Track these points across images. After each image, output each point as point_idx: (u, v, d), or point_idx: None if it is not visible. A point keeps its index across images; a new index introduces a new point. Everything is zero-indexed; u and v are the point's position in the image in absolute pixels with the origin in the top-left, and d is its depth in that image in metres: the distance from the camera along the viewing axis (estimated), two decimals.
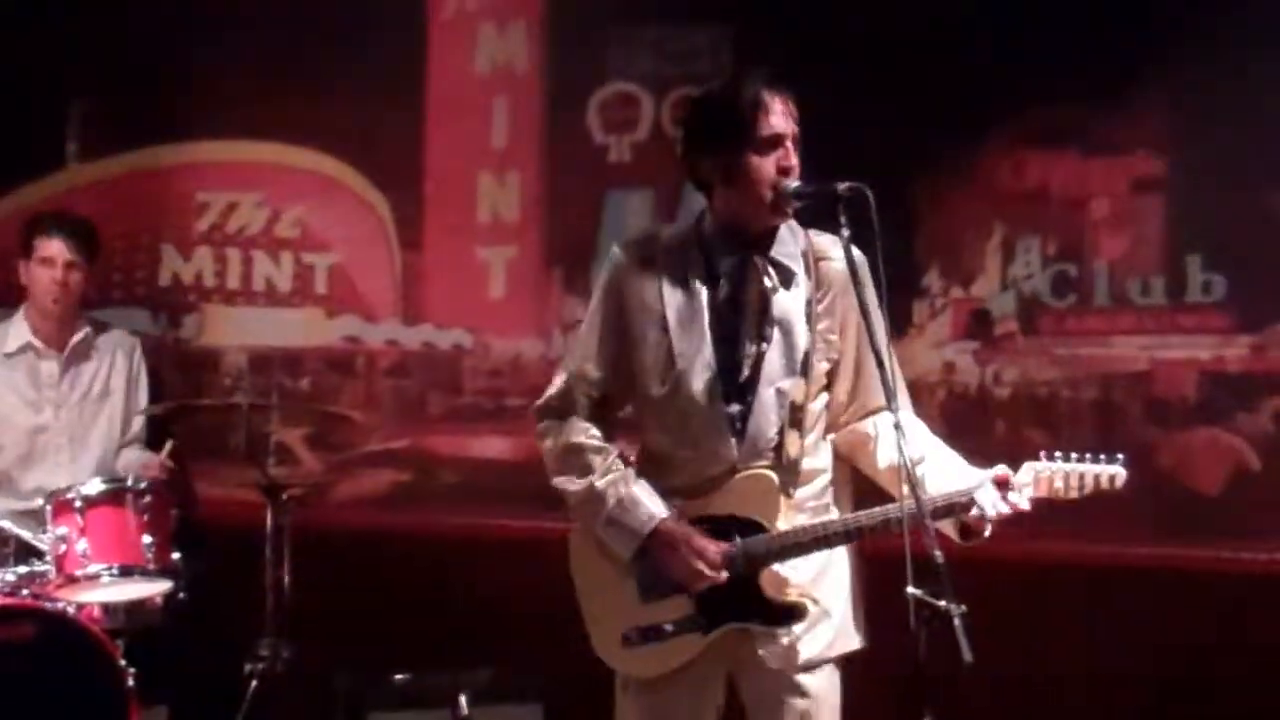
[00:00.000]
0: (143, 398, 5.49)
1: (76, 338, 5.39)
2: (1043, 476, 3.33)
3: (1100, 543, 5.07)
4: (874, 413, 3.46)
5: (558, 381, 3.53)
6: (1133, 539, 5.10)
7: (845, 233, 3.27)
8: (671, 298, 3.40)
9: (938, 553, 3.05)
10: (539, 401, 3.55)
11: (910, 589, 3.03)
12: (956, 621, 2.97)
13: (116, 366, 5.46)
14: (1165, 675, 5.05)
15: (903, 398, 3.39)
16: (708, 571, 3.34)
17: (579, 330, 3.58)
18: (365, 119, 6.08)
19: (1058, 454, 3.34)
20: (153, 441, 5.47)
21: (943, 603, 2.99)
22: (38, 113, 6.25)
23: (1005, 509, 3.29)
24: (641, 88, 5.93)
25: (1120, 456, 3.36)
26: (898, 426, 3.11)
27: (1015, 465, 3.39)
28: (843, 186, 3.25)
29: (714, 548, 3.35)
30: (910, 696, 3.06)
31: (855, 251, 3.31)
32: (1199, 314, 5.27)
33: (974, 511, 3.28)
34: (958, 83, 5.32)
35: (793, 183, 3.36)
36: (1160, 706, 5.06)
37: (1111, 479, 3.34)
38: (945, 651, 2.96)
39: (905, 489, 3.11)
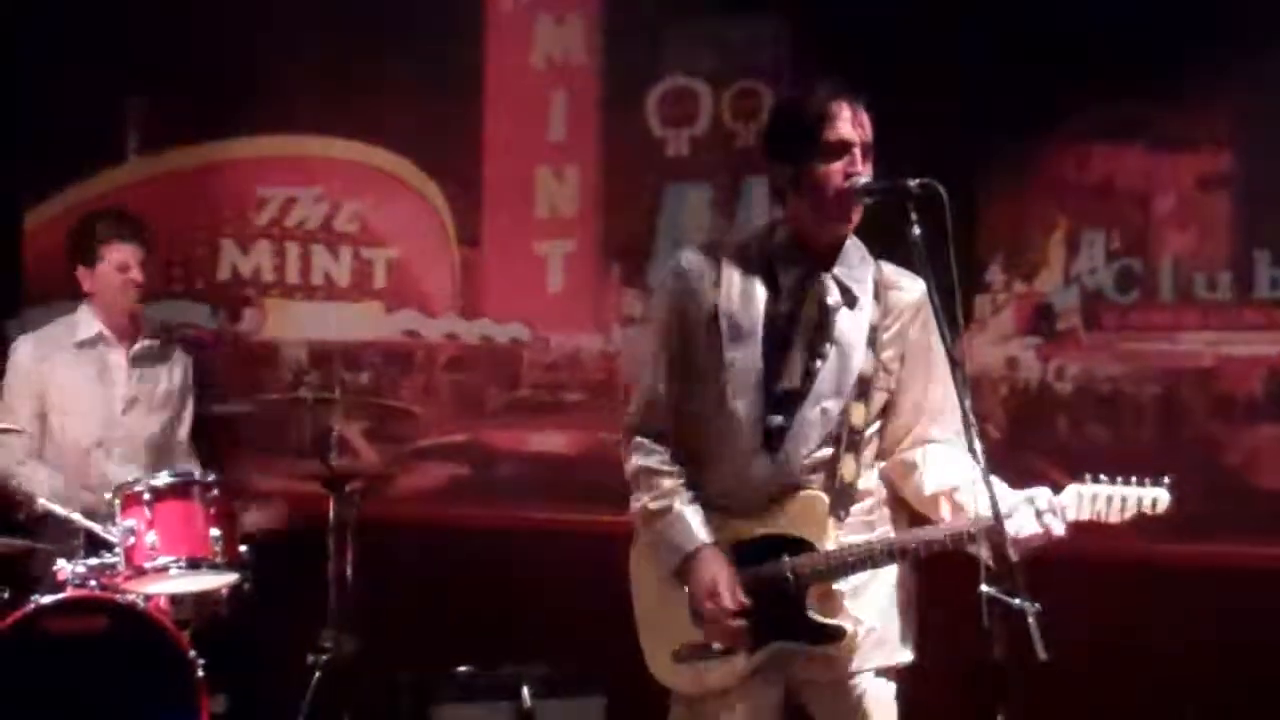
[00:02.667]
0: (188, 413, 5.56)
1: (144, 341, 5.46)
2: (1086, 498, 3.29)
3: (1165, 540, 5.03)
4: (925, 443, 3.46)
5: (636, 398, 3.54)
6: (1199, 536, 5.06)
7: (916, 230, 3.25)
8: (729, 305, 3.40)
9: (1011, 550, 3.05)
10: (625, 420, 3.55)
11: (983, 587, 3.03)
12: (1031, 620, 2.96)
13: (175, 374, 5.54)
14: (1231, 673, 5.03)
15: (952, 427, 3.39)
16: (712, 607, 3.33)
17: (645, 341, 3.59)
18: (423, 114, 6.09)
19: (1102, 476, 3.30)
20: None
21: (1016, 600, 2.99)
22: (98, 108, 6.28)
23: (1037, 529, 3.25)
24: (700, 81, 5.92)
25: (1166, 480, 3.29)
26: (974, 450, 3.10)
27: (1077, 463, 3.38)
28: (914, 183, 3.24)
29: (733, 595, 3.33)
30: (983, 695, 3.06)
31: (923, 284, 3.31)
32: (1266, 310, 5.25)
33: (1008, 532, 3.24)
34: (1022, 76, 5.30)
35: (861, 179, 3.35)
36: (1226, 704, 5.04)
37: (1154, 502, 3.29)
38: (1019, 650, 2.96)
39: (974, 507, 3.15)
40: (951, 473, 3.38)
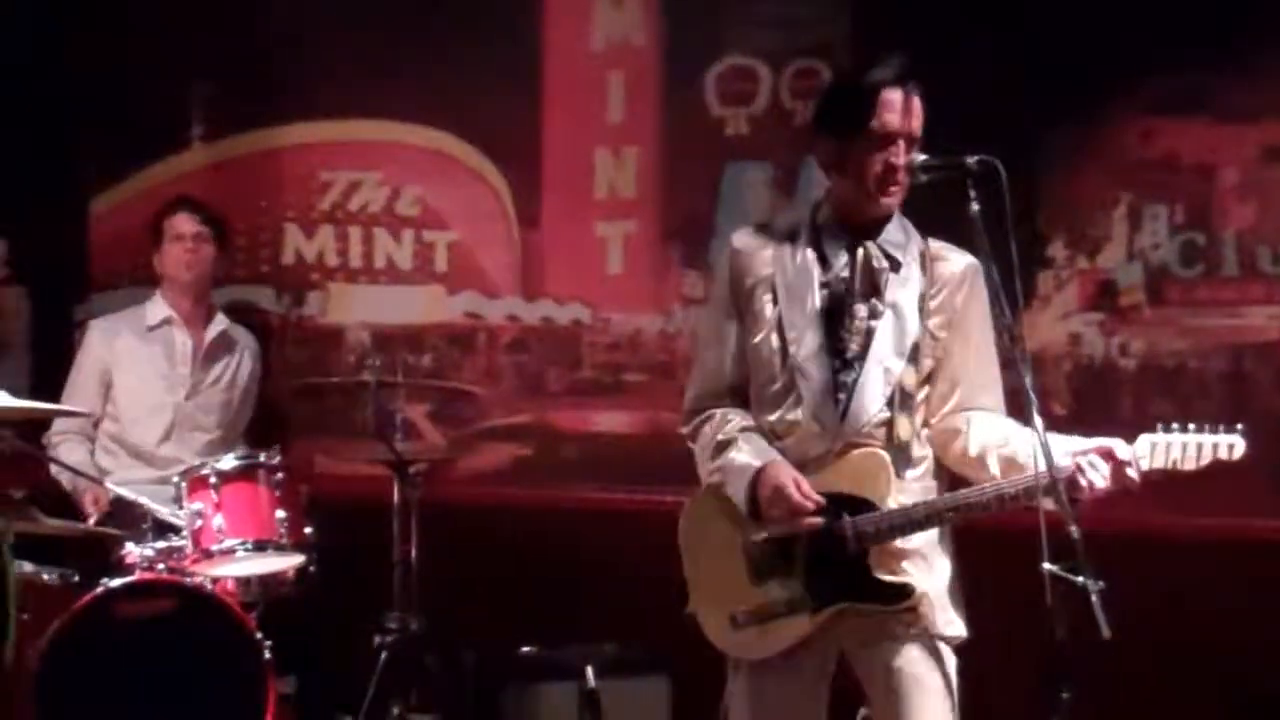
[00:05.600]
0: (249, 406, 5.68)
1: (216, 329, 5.58)
2: (1160, 446, 3.28)
3: (1231, 515, 5.01)
4: (969, 410, 3.48)
5: (696, 379, 3.59)
6: (1266, 511, 5.03)
7: (975, 207, 3.27)
8: (783, 275, 3.45)
9: (1074, 527, 3.04)
10: (686, 403, 3.58)
11: (1046, 565, 3.02)
12: (1094, 597, 2.97)
13: (243, 366, 5.65)
14: None
15: (995, 398, 3.47)
16: (798, 499, 3.33)
17: (701, 327, 3.63)
18: (483, 96, 6.09)
19: (1174, 425, 3.29)
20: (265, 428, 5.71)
21: (1080, 578, 2.98)
22: (162, 95, 6.33)
23: (1108, 481, 3.24)
24: (759, 60, 5.90)
25: (1240, 427, 3.29)
26: (1030, 402, 3.11)
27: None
28: (972, 159, 3.26)
29: (810, 492, 3.35)
30: (1047, 673, 3.05)
31: (973, 260, 3.37)
32: None
33: (1083, 480, 3.24)
34: (1083, 49, 5.25)
35: (920, 155, 3.36)
36: None
37: (1230, 448, 3.28)
38: (1082, 627, 2.95)
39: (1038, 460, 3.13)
40: (998, 431, 3.40)
